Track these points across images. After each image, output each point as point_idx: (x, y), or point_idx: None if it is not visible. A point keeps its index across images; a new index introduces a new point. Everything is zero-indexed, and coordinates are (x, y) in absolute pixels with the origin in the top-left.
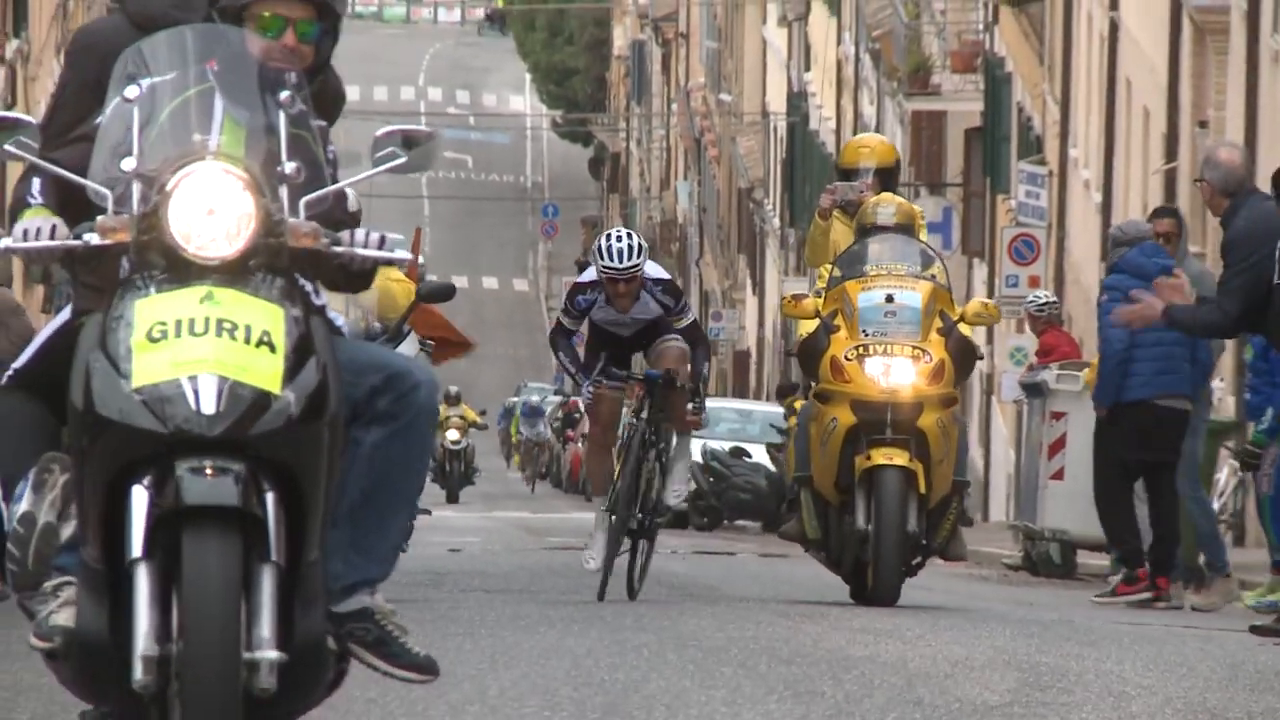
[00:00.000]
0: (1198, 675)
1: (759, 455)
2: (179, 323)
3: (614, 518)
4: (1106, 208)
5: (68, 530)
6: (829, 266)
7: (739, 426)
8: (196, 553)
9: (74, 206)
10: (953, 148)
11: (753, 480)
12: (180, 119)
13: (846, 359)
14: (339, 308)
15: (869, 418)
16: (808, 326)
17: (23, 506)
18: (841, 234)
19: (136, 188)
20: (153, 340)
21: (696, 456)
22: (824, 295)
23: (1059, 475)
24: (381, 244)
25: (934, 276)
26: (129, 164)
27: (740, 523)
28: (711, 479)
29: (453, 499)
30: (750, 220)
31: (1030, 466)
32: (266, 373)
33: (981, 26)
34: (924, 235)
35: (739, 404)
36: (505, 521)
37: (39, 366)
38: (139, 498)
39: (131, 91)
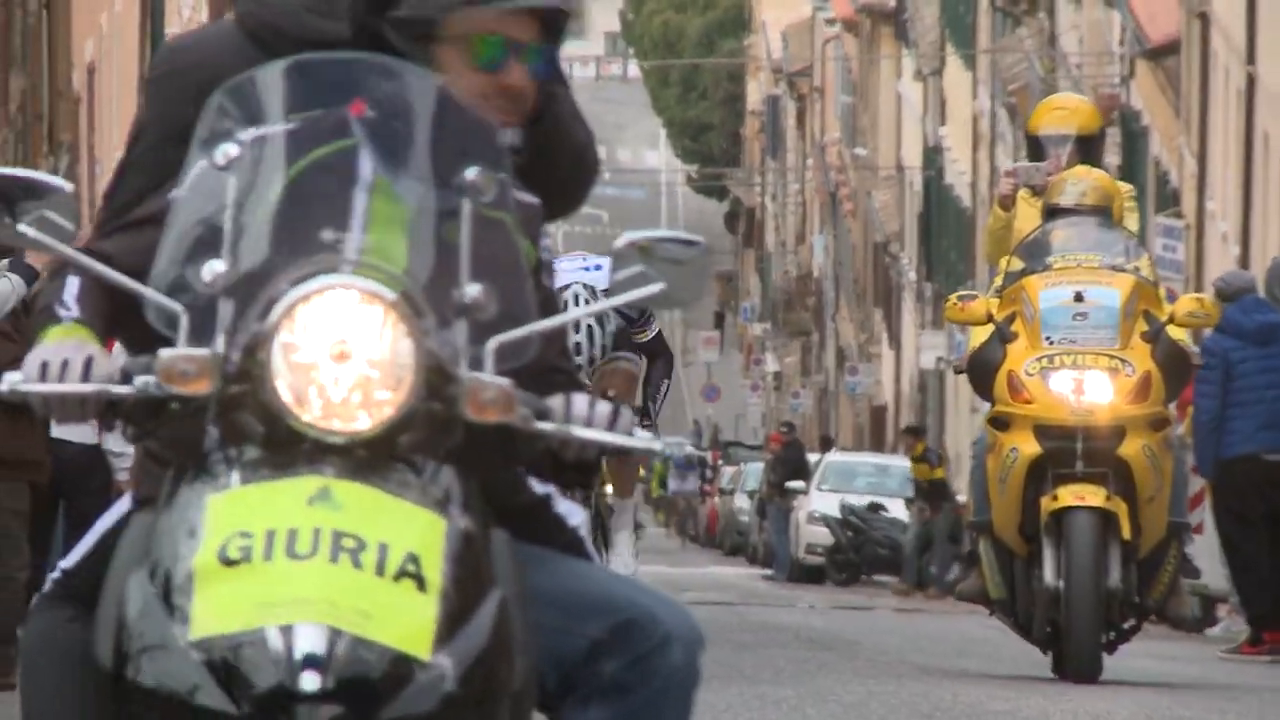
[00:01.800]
0: None
1: (896, 510)
2: (272, 535)
3: None
4: (1245, 260)
5: None
6: (1009, 259)
7: (876, 481)
8: None
9: (132, 326)
10: None
11: (890, 535)
12: (302, 200)
13: (1027, 374)
14: None
15: (1056, 447)
16: (980, 335)
17: None
18: (1031, 220)
19: (226, 309)
20: (228, 562)
21: (835, 511)
22: (1000, 295)
23: (1198, 529)
24: (614, 421)
25: (1137, 269)
26: (214, 271)
27: (878, 577)
28: (850, 533)
29: None
30: (886, 274)
31: None
32: (409, 624)
33: (1118, 80)
34: (1132, 221)
35: (876, 458)
36: (644, 575)
37: (96, 570)
38: None
39: (226, 153)
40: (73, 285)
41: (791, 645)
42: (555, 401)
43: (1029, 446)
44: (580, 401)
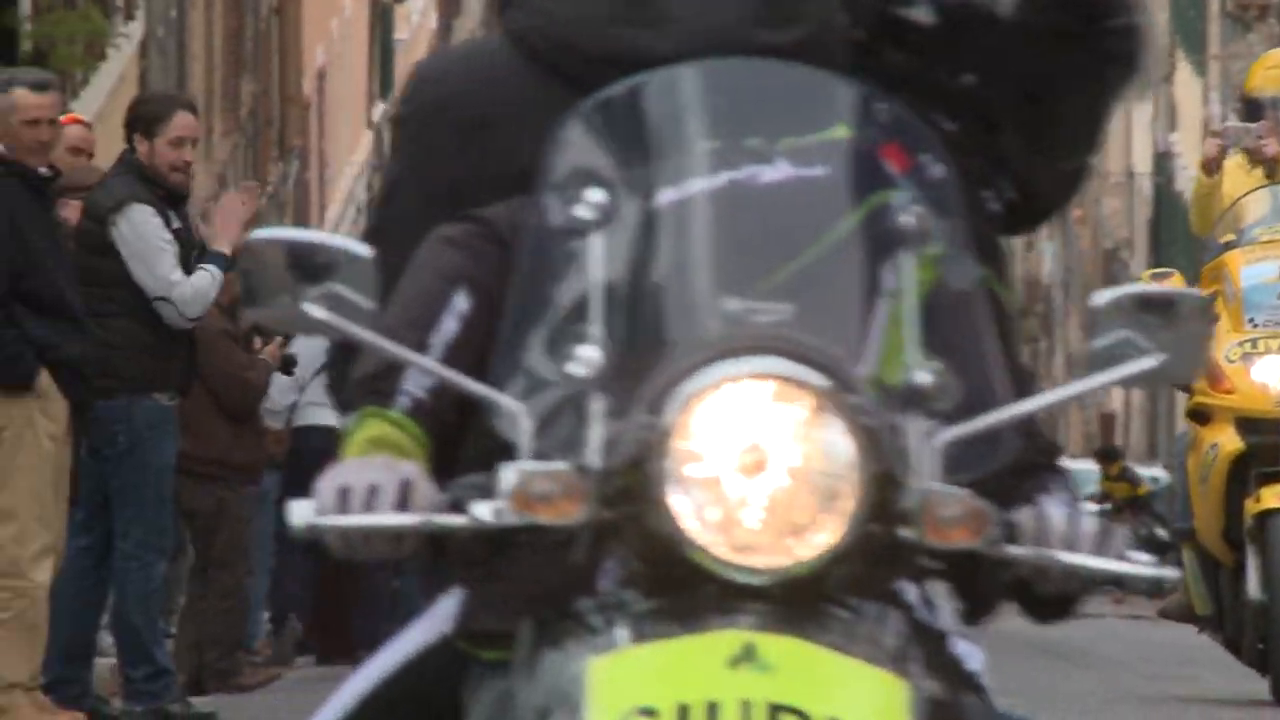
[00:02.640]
0: None
1: None
2: (685, 711)
3: None
4: None
5: None
6: (1221, 231)
7: None
8: None
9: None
10: None
11: None
12: (693, 258)
13: (1228, 360)
14: None
15: (1260, 442)
16: None
17: None
18: (1245, 186)
19: (598, 409)
20: None
21: None
22: (1200, 273)
23: None
24: (1104, 541)
25: None
26: (586, 358)
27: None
28: None
29: None
30: (1115, 282)
31: None
32: None
33: None
34: None
35: None
36: None
37: None
38: None
39: (588, 202)
40: (453, 320)
41: (1021, 651)
42: (1024, 515)
43: (1230, 442)
44: (1057, 514)
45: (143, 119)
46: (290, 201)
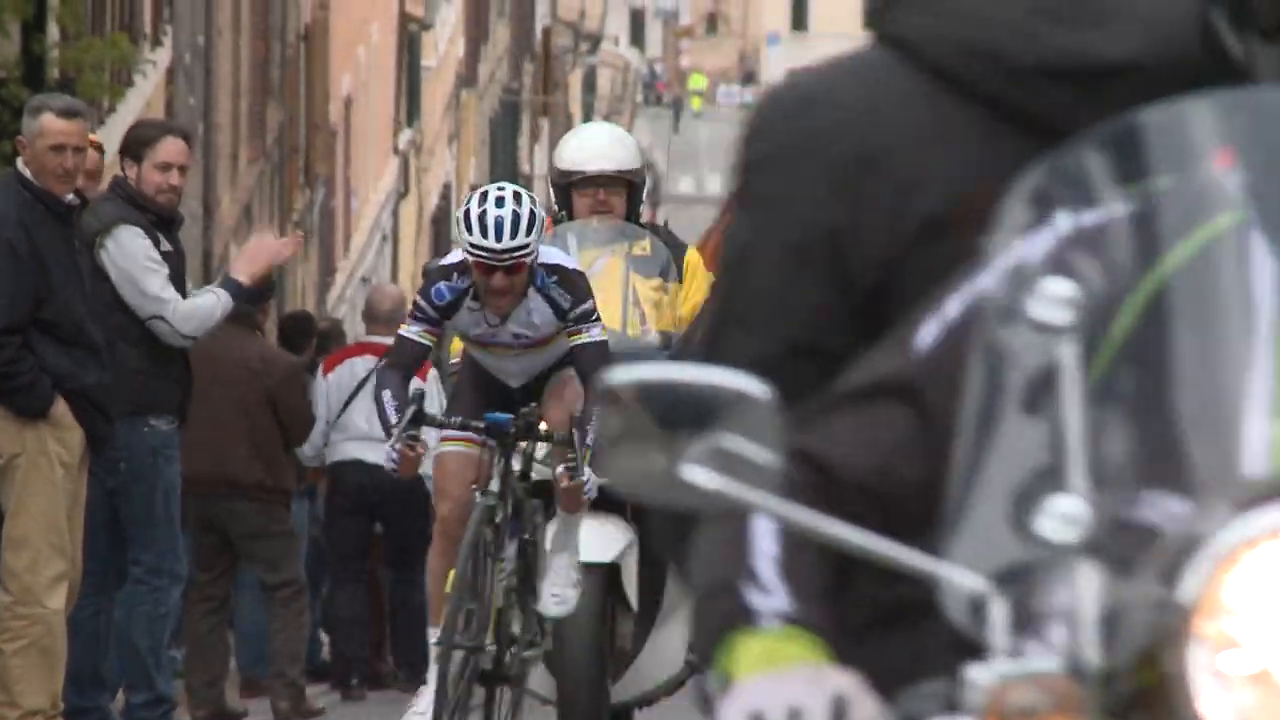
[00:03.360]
0: None
1: None
2: None
3: (452, 652)
4: None
5: None
6: None
7: None
8: None
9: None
10: None
11: None
12: (1155, 351)
13: None
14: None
15: None
16: None
17: None
18: None
19: (1088, 582)
20: None
21: None
22: None
23: None
24: None
25: None
26: (1064, 517)
27: None
28: None
29: None
30: None
31: None
32: None
33: None
34: None
35: None
36: None
37: None
38: None
39: (1051, 298)
40: (768, 538)
41: None
42: None
43: None
44: None
45: (132, 144)
46: (315, 230)
